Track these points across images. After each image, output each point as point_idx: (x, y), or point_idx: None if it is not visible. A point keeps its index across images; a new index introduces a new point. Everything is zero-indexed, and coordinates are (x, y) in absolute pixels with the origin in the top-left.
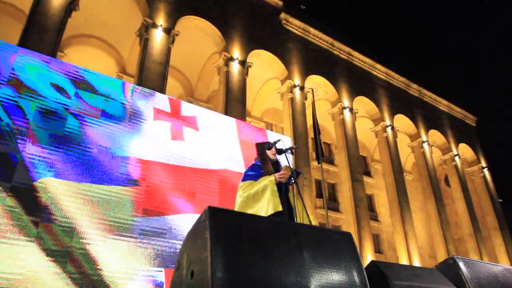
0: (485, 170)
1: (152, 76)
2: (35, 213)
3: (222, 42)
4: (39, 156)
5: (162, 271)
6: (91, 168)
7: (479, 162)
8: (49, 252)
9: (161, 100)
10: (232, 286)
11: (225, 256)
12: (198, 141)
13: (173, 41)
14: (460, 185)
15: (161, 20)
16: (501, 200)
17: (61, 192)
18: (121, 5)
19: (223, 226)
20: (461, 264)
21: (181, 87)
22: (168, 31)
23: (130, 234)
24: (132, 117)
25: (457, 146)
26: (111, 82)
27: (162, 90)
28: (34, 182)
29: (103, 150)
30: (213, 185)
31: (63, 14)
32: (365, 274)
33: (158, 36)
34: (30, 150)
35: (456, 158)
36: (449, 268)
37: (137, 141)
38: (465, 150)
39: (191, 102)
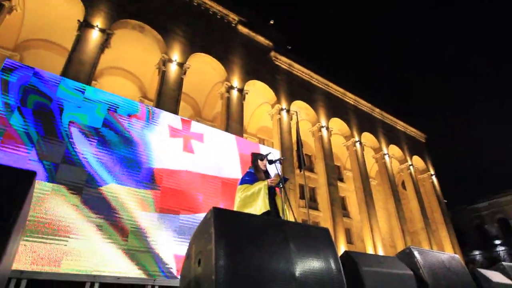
0: (433, 177)
1: (167, 100)
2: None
3: (225, 74)
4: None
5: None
6: (129, 173)
7: (428, 171)
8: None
9: (175, 120)
10: (232, 272)
11: (226, 248)
12: (204, 153)
13: (185, 73)
14: (414, 189)
15: (175, 56)
16: (446, 201)
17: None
18: (144, 43)
19: (225, 223)
20: (416, 253)
21: (191, 109)
22: (181, 65)
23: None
24: (152, 132)
25: (411, 157)
26: (135, 104)
27: (175, 112)
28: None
29: (132, 159)
30: (216, 188)
31: (97, 51)
32: (340, 261)
33: (173, 69)
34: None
35: (411, 167)
36: (406, 256)
37: (157, 152)
38: (417, 161)
39: (199, 121)
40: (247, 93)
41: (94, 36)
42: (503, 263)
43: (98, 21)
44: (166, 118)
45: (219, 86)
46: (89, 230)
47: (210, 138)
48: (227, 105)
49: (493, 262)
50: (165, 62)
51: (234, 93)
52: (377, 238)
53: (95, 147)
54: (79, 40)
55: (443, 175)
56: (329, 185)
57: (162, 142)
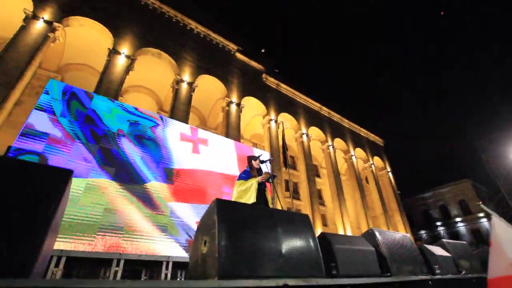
0: (389, 173)
1: (179, 112)
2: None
3: (225, 91)
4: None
5: (184, 240)
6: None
7: (386, 168)
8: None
9: (185, 128)
10: (231, 250)
11: (227, 231)
12: (209, 154)
13: (193, 90)
14: (375, 183)
15: (186, 77)
16: (399, 192)
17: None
18: (161, 67)
19: (226, 211)
20: (377, 233)
21: (198, 119)
22: (190, 84)
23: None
24: (167, 138)
25: (372, 158)
26: (150, 116)
27: (185, 121)
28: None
29: (154, 160)
30: (218, 183)
31: (123, 73)
32: (317, 241)
33: (184, 87)
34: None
35: (372, 166)
36: (369, 236)
37: (171, 154)
38: (377, 161)
39: (204, 129)
40: (243, 107)
41: (121, 61)
42: (443, 240)
43: (125, 49)
44: (178, 126)
45: (221, 101)
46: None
47: (213, 142)
48: (227, 116)
49: (435, 239)
50: (178, 82)
51: (233, 107)
52: (346, 222)
53: (139, 149)
54: (109, 64)
55: (397, 172)
56: (309, 180)
57: (175, 145)
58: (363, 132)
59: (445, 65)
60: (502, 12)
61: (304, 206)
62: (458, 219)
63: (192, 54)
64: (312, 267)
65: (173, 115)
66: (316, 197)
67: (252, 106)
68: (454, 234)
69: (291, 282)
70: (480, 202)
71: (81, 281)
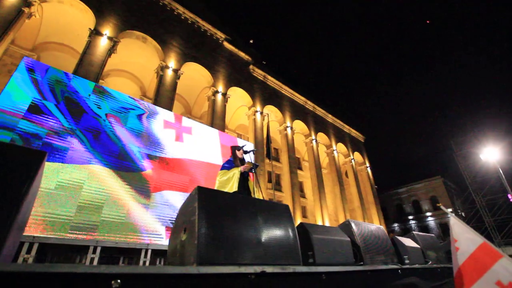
0: (368, 169)
1: (163, 99)
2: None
3: (211, 80)
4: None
5: (164, 228)
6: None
7: (365, 163)
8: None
9: (169, 115)
10: (211, 238)
11: (207, 218)
12: (192, 143)
13: (179, 78)
14: (354, 177)
15: (171, 63)
16: (376, 186)
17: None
18: (145, 51)
19: (206, 199)
20: (353, 224)
21: (183, 107)
22: (176, 71)
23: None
24: (150, 125)
25: (353, 153)
26: (133, 101)
27: (170, 109)
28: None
29: (136, 146)
30: (201, 172)
31: (105, 55)
32: (296, 230)
33: (169, 74)
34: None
35: (352, 161)
36: (346, 227)
37: (153, 142)
38: (357, 156)
39: (189, 118)
40: (229, 97)
41: (103, 43)
42: (413, 232)
43: (107, 30)
44: (162, 113)
45: (207, 90)
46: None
47: (197, 131)
48: (212, 106)
49: (406, 232)
50: (162, 68)
51: (219, 97)
52: (325, 214)
53: (121, 135)
54: (90, 45)
55: (376, 167)
56: (291, 173)
57: (158, 133)
58: (346, 128)
59: (426, 68)
60: (478, 15)
61: (285, 197)
62: (428, 214)
63: (178, 41)
64: (290, 255)
65: (157, 102)
66: (298, 189)
67: (238, 96)
68: (424, 227)
69: (268, 269)
70: (440, 204)
71: (52, 266)
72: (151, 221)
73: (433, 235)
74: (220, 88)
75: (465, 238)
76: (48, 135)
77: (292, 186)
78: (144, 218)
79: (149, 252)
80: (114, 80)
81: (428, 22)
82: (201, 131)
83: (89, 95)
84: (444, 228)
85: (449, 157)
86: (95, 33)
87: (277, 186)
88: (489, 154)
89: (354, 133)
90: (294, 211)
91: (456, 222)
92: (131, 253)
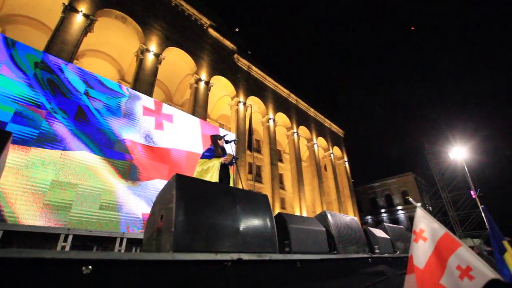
0: (346, 163)
1: (143, 85)
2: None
3: (194, 67)
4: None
5: (141, 215)
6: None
7: (343, 158)
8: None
9: (148, 101)
10: (188, 225)
11: (185, 206)
12: (173, 131)
13: (160, 63)
14: (332, 171)
15: (153, 47)
16: (353, 180)
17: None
18: (125, 32)
19: (185, 187)
20: (328, 215)
21: (164, 94)
22: (157, 55)
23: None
24: (127, 111)
25: (332, 147)
26: (113, 85)
27: (150, 95)
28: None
29: (112, 132)
30: (181, 161)
31: (80, 33)
32: (274, 220)
33: (149, 58)
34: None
35: (332, 155)
36: (322, 217)
37: (131, 128)
38: (336, 151)
39: (170, 105)
40: (212, 86)
41: (78, 20)
42: (384, 224)
43: (83, 7)
44: (141, 99)
45: (189, 77)
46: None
47: (178, 119)
48: (195, 94)
49: (378, 223)
50: (143, 51)
51: (202, 85)
52: (303, 206)
53: (97, 119)
54: (63, 22)
55: (353, 162)
56: (272, 165)
57: (137, 119)
58: (327, 122)
59: (405, 70)
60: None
61: (265, 189)
62: (399, 207)
63: (161, 24)
64: (267, 244)
65: (136, 86)
66: (278, 181)
67: (222, 86)
68: (394, 220)
69: (245, 256)
70: (409, 196)
71: (18, 251)
72: (127, 209)
73: (402, 227)
74: (203, 76)
75: (431, 228)
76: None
77: (272, 178)
78: (119, 205)
79: (125, 241)
80: (90, 61)
81: (412, 28)
82: (182, 119)
83: (63, 72)
84: (413, 221)
85: (421, 155)
86: (70, 9)
87: (258, 178)
88: (457, 153)
89: (334, 128)
90: (274, 202)
91: (422, 213)
92: (106, 242)
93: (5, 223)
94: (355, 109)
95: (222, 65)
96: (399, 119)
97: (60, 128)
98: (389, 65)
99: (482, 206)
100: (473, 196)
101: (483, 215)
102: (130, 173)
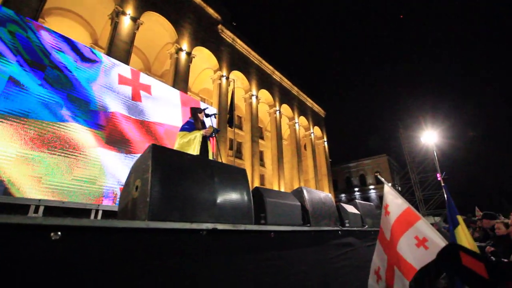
0: (325, 143)
1: (119, 51)
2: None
3: (175, 36)
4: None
5: (116, 187)
6: (74, 112)
7: (323, 138)
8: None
9: (125, 69)
10: (164, 196)
11: (161, 177)
12: (151, 102)
13: (137, 28)
14: (312, 150)
15: (129, 10)
16: (330, 160)
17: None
18: None
19: (161, 157)
20: (304, 191)
21: (142, 63)
22: (134, 19)
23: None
24: (101, 78)
25: (313, 127)
26: (85, 49)
27: (126, 63)
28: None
29: (84, 100)
30: (160, 134)
31: None
32: (251, 194)
33: (126, 22)
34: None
35: (312, 134)
36: (298, 193)
37: (106, 97)
38: (317, 130)
39: (148, 75)
40: (194, 57)
41: None
42: (356, 200)
43: None
44: (116, 66)
45: (170, 46)
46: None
47: (157, 90)
48: (175, 64)
49: (351, 201)
50: (118, 13)
51: (183, 55)
52: (282, 183)
53: (65, 85)
54: None
55: (332, 142)
56: (252, 141)
57: (111, 88)
58: (309, 102)
59: (387, 57)
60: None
61: (245, 165)
62: (371, 187)
63: None
64: (244, 216)
65: (110, 53)
66: (258, 158)
67: (204, 58)
68: (366, 198)
69: (220, 226)
70: (378, 174)
71: None
72: (103, 180)
73: (372, 204)
74: (185, 46)
75: (395, 203)
76: None
77: (252, 154)
78: (93, 177)
79: (100, 213)
80: (58, 21)
81: (401, 16)
82: (161, 91)
83: (26, 32)
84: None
85: (396, 138)
86: None
87: (238, 154)
88: (428, 137)
89: (316, 107)
90: (253, 179)
91: (389, 190)
92: (80, 214)
93: None
94: (337, 91)
95: (205, 36)
96: (377, 103)
97: (25, 96)
98: (371, 51)
99: (443, 185)
100: (439, 179)
101: (444, 194)
102: (104, 144)
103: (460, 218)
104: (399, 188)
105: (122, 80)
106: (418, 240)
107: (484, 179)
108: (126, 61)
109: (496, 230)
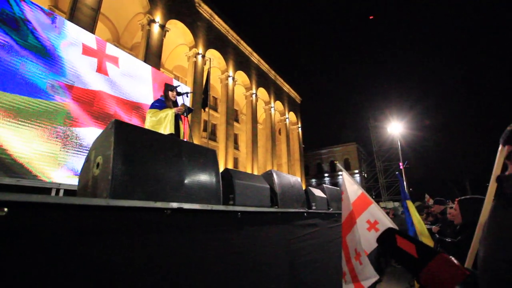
0: (299, 129)
1: (83, 17)
2: None
3: (148, 6)
4: None
5: (80, 166)
6: (29, 83)
7: (298, 124)
8: None
9: (89, 38)
10: (128, 174)
11: (124, 154)
12: (119, 76)
13: None
14: (286, 135)
15: None
16: (303, 146)
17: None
18: None
19: (125, 133)
20: (274, 174)
21: (109, 33)
22: None
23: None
24: (60, 46)
25: (288, 112)
26: (42, 12)
27: (91, 31)
28: None
29: (42, 71)
30: (127, 111)
31: None
32: (220, 175)
33: None
34: None
35: (287, 120)
36: (268, 176)
37: (68, 68)
38: (292, 116)
39: (116, 46)
40: (168, 31)
41: None
42: (323, 185)
43: None
44: (79, 34)
45: (141, 16)
46: None
47: (126, 63)
48: (147, 37)
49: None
50: None
51: (155, 28)
52: (255, 167)
53: (19, 54)
54: None
55: (306, 128)
56: (227, 124)
57: (74, 58)
58: (286, 87)
59: (361, 51)
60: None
61: (219, 148)
62: (340, 173)
63: None
64: (212, 197)
65: (73, 18)
66: (232, 141)
67: (179, 32)
68: (335, 183)
69: (186, 205)
70: (337, 162)
71: None
72: (64, 157)
73: (338, 188)
74: (158, 18)
75: (352, 189)
76: None
77: (227, 137)
78: (55, 154)
79: (61, 192)
80: None
81: (371, 17)
82: (130, 64)
83: None
84: None
85: (365, 127)
86: None
87: (212, 136)
88: (393, 128)
89: (292, 93)
90: (227, 161)
91: (346, 177)
92: (39, 193)
93: None
94: (313, 80)
95: (181, 8)
96: (350, 95)
97: None
98: (344, 47)
99: (397, 173)
100: (401, 167)
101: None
102: (64, 118)
103: (409, 203)
104: (365, 175)
105: (87, 50)
106: (369, 223)
107: (440, 168)
108: (91, 29)
109: (448, 214)
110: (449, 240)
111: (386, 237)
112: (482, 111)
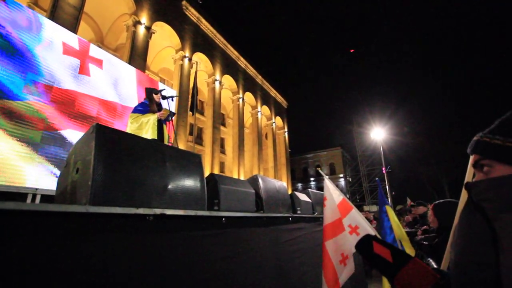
0: (286, 133)
1: (65, 16)
2: None
3: (133, 6)
4: None
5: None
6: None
7: (284, 128)
8: None
9: (71, 38)
10: (109, 180)
11: (105, 159)
12: (102, 79)
13: None
14: (272, 140)
15: None
16: (290, 150)
17: None
18: None
19: (106, 138)
20: (259, 179)
21: (93, 33)
22: None
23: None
24: (41, 46)
25: (275, 117)
26: (20, 8)
27: (74, 31)
28: None
29: (18, 71)
30: (110, 113)
31: None
32: (205, 180)
33: None
34: None
35: (273, 124)
36: (253, 181)
37: (45, 68)
38: (278, 120)
39: (100, 47)
40: (154, 33)
41: None
42: (309, 189)
43: None
44: (60, 33)
45: (126, 17)
46: None
47: (110, 65)
48: (132, 38)
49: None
50: None
51: (141, 29)
52: (241, 171)
53: None
54: None
55: (292, 133)
56: (214, 128)
57: (54, 58)
58: (273, 92)
59: (347, 57)
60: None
61: (206, 152)
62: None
63: None
64: (196, 202)
65: (54, 17)
66: (219, 145)
67: (165, 35)
68: (320, 188)
69: (169, 211)
70: (319, 169)
71: None
72: (41, 162)
73: (323, 193)
74: (144, 19)
75: (334, 195)
76: None
77: (213, 141)
78: (32, 158)
79: (38, 198)
80: None
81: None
82: (114, 66)
83: None
84: None
85: (349, 133)
86: None
87: (198, 140)
88: (376, 133)
89: (279, 98)
90: (213, 166)
91: (327, 183)
92: (15, 198)
93: None
94: (299, 86)
95: (167, 11)
96: (335, 99)
97: None
98: (330, 55)
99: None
100: (383, 172)
101: (386, 185)
102: (43, 122)
103: (387, 208)
104: (350, 179)
105: (68, 50)
106: (351, 228)
107: (420, 172)
108: (73, 28)
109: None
110: (426, 243)
111: (363, 244)
112: (460, 117)
